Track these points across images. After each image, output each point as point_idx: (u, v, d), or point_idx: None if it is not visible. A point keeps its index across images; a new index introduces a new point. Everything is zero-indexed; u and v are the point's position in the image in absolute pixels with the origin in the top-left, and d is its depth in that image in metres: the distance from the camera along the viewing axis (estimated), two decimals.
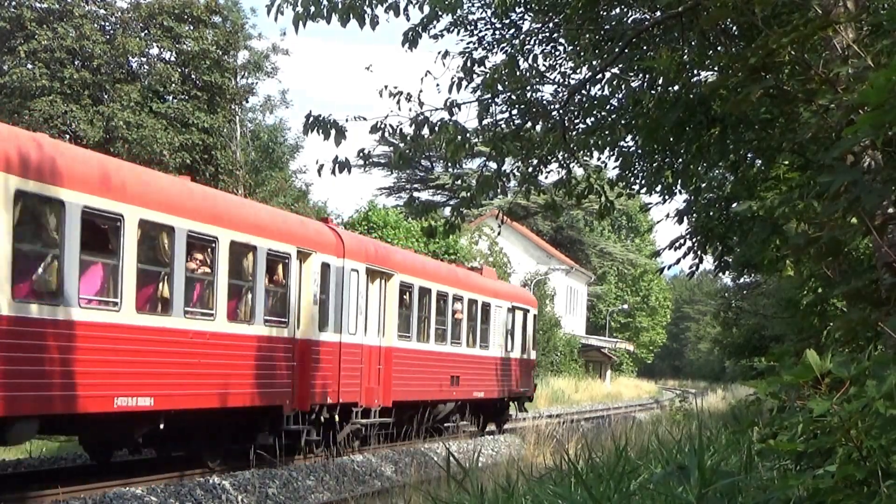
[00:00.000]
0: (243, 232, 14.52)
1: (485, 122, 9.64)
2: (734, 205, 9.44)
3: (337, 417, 16.95)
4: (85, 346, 11.58)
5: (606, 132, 9.67)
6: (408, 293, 20.10)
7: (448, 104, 8.80)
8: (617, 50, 8.59)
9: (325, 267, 16.73)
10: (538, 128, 9.63)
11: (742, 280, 26.38)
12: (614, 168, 10.56)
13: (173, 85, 27.24)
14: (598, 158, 10.85)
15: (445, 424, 22.14)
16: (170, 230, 13.00)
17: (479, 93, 9.43)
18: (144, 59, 28.22)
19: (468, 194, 9.35)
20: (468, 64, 9.61)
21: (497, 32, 10.49)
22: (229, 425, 15.17)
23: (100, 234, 12.07)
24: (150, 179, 13.44)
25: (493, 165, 9.41)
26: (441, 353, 21.66)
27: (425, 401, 20.45)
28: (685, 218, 10.04)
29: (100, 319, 11.88)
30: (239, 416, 15.08)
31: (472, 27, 10.50)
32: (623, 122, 9.43)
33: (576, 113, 9.83)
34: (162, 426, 13.17)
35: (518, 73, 9.44)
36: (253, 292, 14.78)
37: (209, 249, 13.88)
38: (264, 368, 15.07)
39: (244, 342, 14.64)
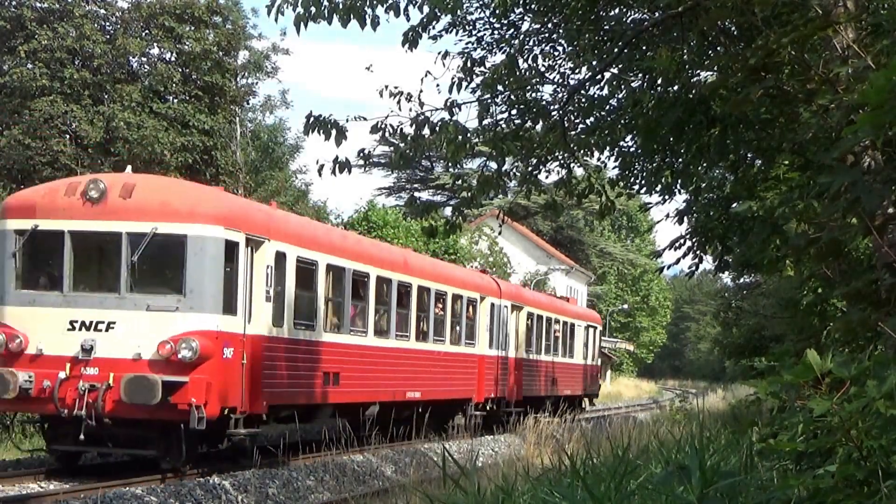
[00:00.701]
0: (459, 287, 22.82)
1: (485, 122, 9.65)
2: (734, 205, 9.43)
3: (495, 407, 24.20)
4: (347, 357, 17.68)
5: (606, 132, 9.68)
6: (530, 319, 27.49)
7: (448, 104, 8.80)
8: (616, 50, 8.59)
9: (492, 305, 24.50)
10: (538, 128, 9.63)
11: (742, 280, 26.39)
12: (614, 168, 10.57)
13: (174, 85, 27.23)
14: (598, 158, 10.87)
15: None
16: (387, 281, 19.11)
17: (479, 93, 9.43)
18: (145, 60, 28.22)
19: (469, 194, 9.36)
20: (468, 64, 9.61)
21: (496, 33, 10.49)
22: (439, 410, 20.54)
23: (356, 285, 17.83)
24: (385, 249, 20.63)
25: (493, 165, 9.42)
26: (549, 361, 29.22)
27: (539, 396, 28.03)
28: (685, 218, 10.04)
29: (352, 342, 17.72)
30: (444, 404, 21.41)
31: (472, 27, 10.49)
32: (623, 122, 9.44)
33: (576, 113, 9.84)
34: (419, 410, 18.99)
35: (518, 74, 9.44)
36: (459, 325, 22.89)
37: (442, 297, 21.77)
38: (463, 374, 22.84)
39: (453, 357, 22.45)
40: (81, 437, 13.24)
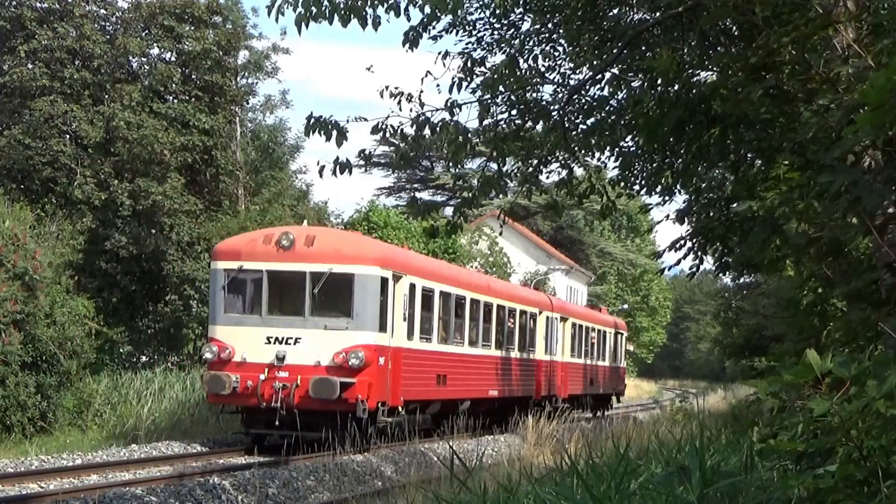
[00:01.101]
0: (524, 304, 26.93)
1: (485, 122, 9.64)
2: (734, 205, 9.43)
3: (547, 403, 26.65)
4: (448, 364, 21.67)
5: (607, 132, 9.67)
6: (574, 329, 31.78)
7: (448, 104, 8.80)
8: (617, 50, 8.60)
9: (546, 318, 28.53)
10: (539, 128, 9.63)
11: (742, 280, 26.39)
12: (614, 168, 10.56)
13: (174, 85, 27.23)
14: (599, 159, 10.86)
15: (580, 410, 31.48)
16: (477, 302, 23.37)
17: (479, 93, 9.43)
18: (145, 60, 28.20)
19: (469, 194, 9.36)
20: (468, 64, 9.61)
21: (497, 33, 10.48)
22: (508, 405, 24.84)
23: (457, 306, 22.16)
24: (475, 276, 25.67)
25: (493, 166, 9.42)
26: (587, 364, 33.47)
27: (578, 394, 32.11)
28: (685, 218, 10.03)
29: (454, 350, 21.96)
30: (511, 401, 25.15)
31: (472, 28, 10.49)
32: (623, 122, 9.43)
33: (576, 113, 9.83)
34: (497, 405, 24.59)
35: (518, 74, 9.44)
36: (524, 335, 26.75)
37: (512, 313, 25.80)
38: (526, 376, 26.85)
39: (520, 362, 26.44)
40: (276, 422, 17.27)
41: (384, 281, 18.17)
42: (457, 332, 22.48)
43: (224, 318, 18.12)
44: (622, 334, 39.87)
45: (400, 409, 19.02)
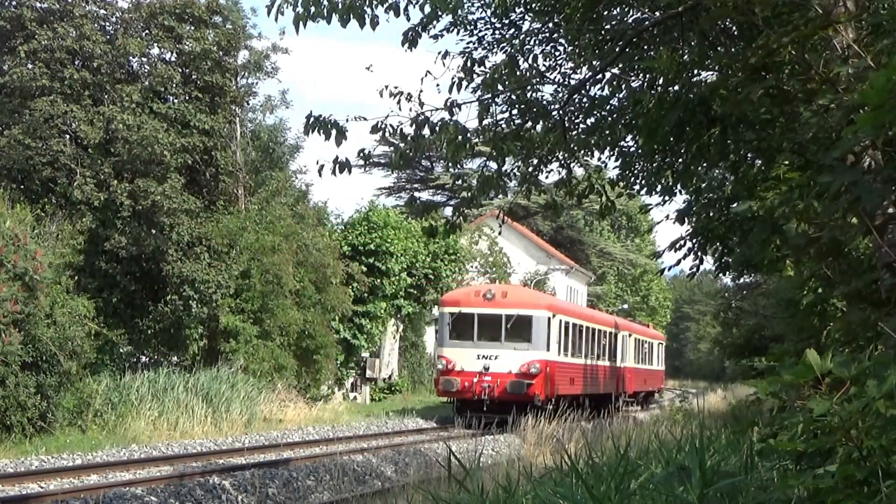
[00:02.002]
0: (609, 327, 36.62)
1: (485, 122, 9.63)
2: (734, 205, 9.41)
3: (617, 398, 36.46)
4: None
5: (606, 132, 9.66)
6: (635, 342, 41.81)
7: (448, 104, 8.79)
8: (617, 50, 8.59)
9: (621, 336, 38.51)
10: (538, 128, 9.62)
11: (742, 280, 26.38)
12: (614, 168, 10.55)
13: (174, 86, 27.21)
14: (599, 158, 10.85)
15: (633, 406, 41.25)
16: (588, 328, 33.20)
17: (479, 93, 9.42)
18: (145, 60, 28.16)
19: (469, 194, 9.35)
20: (468, 64, 9.60)
21: (497, 32, 10.47)
22: (600, 400, 33.79)
23: (579, 331, 31.90)
24: (588, 310, 39.67)
25: (493, 165, 9.41)
26: (641, 369, 43.58)
27: (638, 391, 42.42)
28: (685, 218, 10.01)
29: (578, 362, 31.82)
30: (601, 397, 34.26)
31: (472, 27, 10.48)
32: (623, 122, 9.43)
33: (576, 113, 9.83)
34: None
35: (518, 73, 9.43)
36: (610, 349, 36.31)
37: (604, 333, 35.63)
38: (610, 378, 36.13)
39: (610, 369, 36.24)
40: (484, 409, 26.65)
41: (549, 319, 28.61)
42: (579, 349, 32.26)
43: (449, 342, 28.22)
44: (662, 344, 51.40)
45: (552, 399, 27.63)
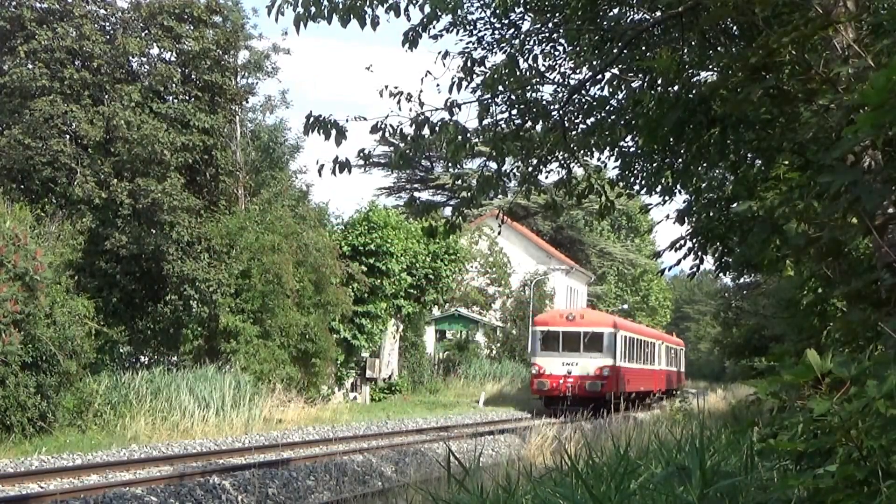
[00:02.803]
0: (662, 340, 49.43)
1: (485, 122, 9.62)
2: (734, 205, 9.41)
3: (657, 395, 44.76)
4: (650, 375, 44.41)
5: (606, 132, 9.65)
6: (667, 349, 49.76)
7: (448, 104, 8.79)
8: (617, 50, 8.58)
9: (656, 344, 45.87)
10: (538, 128, 9.61)
11: (742, 280, 26.40)
12: (614, 168, 10.54)
13: (174, 85, 27.21)
14: (598, 159, 10.84)
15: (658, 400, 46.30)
16: (645, 341, 43.53)
17: (479, 93, 9.41)
18: (145, 60, 28.17)
19: (469, 194, 9.34)
20: (468, 64, 9.58)
21: (497, 32, 10.46)
22: (643, 396, 40.76)
23: (636, 343, 41.17)
24: (641, 327, 49.41)
25: (493, 165, 9.40)
26: (672, 371, 52.22)
27: (668, 389, 49.15)
28: (685, 218, 10.00)
29: (636, 367, 41.05)
30: (646, 393, 41.72)
31: (472, 27, 10.47)
32: (623, 122, 9.42)
33: (576, 113, 9.82)
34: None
35: (518, 74, 9.42)
36: (666, 357, 48.61)
37: (657, 345, 46.67)
38: (652, 378, 44.16)
39: (663, 372, 48.09)
40: (567, 403, 32.47)
41: (615, 334, 36.81)
42: (636, 356, 40.89)
43: (540, 353, 36.35)
44: (683, 350, 61.16)
45: (619, 396, 33.00)
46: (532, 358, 37.65)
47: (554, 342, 36.26)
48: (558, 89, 10.18)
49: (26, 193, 25.29)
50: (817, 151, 6.60)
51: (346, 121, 8.41)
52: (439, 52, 9.44)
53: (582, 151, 10.21)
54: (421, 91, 9.02)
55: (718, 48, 8.21)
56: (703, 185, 9.86)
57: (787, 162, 8.03)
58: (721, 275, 10.84)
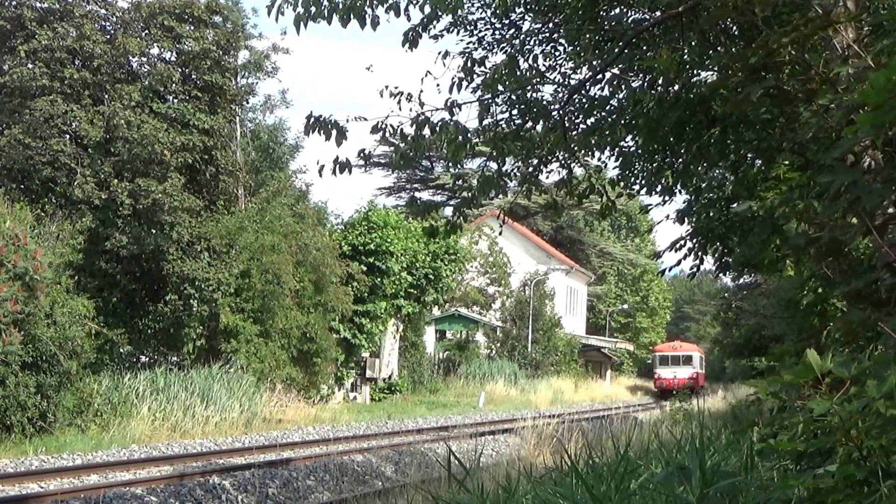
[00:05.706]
0: (693, 352, 69.59)
1: (485, 122, 9.62)
2: (734, 205, 9.41)
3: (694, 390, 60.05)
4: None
5: (607, 132, 9.65)
6: (699, 358, 69.75)
7: (448, 104, 8.79)
8: (617, 50, 8.58)
9: (698, 356, 69.96)
10: (538, 128, 9.61)
11: (742, 280, 26.39)
12: (614, 168, 10.54)
13: (174, 85, 27.20)
14: (599, 158, 10.83)
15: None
16: (682, 356, 69.23)
17: (479, 93, 9.42)
18: (145, 60, 28.16)
19: (469, 194, 9.34)
20: (468, 64, 9.59)
21: (497, 32, 10.46)
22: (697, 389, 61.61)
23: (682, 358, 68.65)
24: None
25: (493, 165, 9.40)
26: (698, 373, 67.98)
27: (693, 388, 58.70)
28: (685, 218, 10.01)
29: (670, 374, 68.87)
30: (701, 387, 65.40)
31: (472, 27, 10.47)
32: (623, 122, 9.41)
33: (576, 113, 9.81)
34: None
35: (518, 74, 9.42)
36: (695, 363, 68.91)
37: (690, 356, 69.91)
38: (699, 379, 69.22)
39: (700, 374, 70.03)
40: (673, 393, 40.93)
41: (700, 356, 67.71)
42: (699, 365, 65.30)
43: (659, 366, 66.35)
44: (703, 356, 72.58)
45: (699, 388, 56.16)
46: (655, 370, 67.21)
47: (665, 360, 66.27)
48: (558, 89, 10.18)
49: (26, 193, 25.28)
50: (817, 151, 6.61)
51: (347, 121, 8.42)
52: (439, 52, 9.44)
53: (582, 151, 10.21)
54: (421, 91, 9.03)
55: (718, 48, 8.21)
56: (703, 185, 9.86)
57: (787, 162, 8.04)
58: (721, 275, 10.84)
